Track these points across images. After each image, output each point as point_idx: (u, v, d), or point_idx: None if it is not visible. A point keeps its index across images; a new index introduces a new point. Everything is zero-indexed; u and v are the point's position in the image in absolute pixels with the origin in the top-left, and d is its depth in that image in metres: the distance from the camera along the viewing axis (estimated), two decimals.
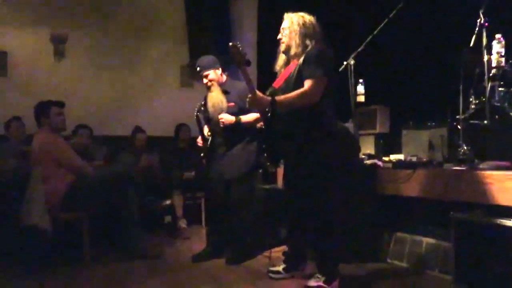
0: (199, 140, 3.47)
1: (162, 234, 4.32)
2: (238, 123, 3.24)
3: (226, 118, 3.24)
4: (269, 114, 2.52)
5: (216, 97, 3.32)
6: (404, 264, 3.07)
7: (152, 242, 3.91)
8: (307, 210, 2.66)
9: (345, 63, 3.42)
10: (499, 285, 2.33)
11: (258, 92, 2.54)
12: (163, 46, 5.51)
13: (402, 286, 2.69)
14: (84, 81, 5.09)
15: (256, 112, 3.12)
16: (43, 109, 3.49)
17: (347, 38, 3.81)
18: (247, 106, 2.65)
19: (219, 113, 3.29)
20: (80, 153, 3.70)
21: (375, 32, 3.34)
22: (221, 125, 3.25)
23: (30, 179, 3.31)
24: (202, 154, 3.47)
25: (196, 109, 3.43)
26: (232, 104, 3.30)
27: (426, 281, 2.76)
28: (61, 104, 3.56)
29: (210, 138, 3.40)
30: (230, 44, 2.50)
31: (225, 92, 3.33)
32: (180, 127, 5.05)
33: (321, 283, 2.55)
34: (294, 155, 2.66)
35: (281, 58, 2.76)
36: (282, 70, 2.74)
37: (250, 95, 2.53)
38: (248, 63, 2.52)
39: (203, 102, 3.46)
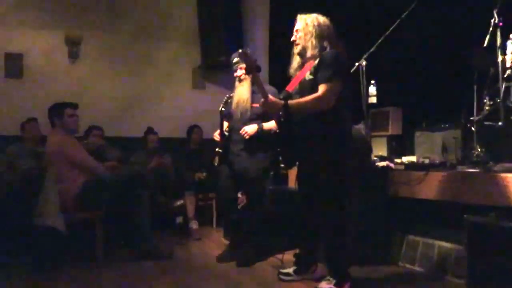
0: (216, 135, 3.43)
1: (174, 235, 4.34)
2: (260, 130, 3.24)
3: (249, 130, 3.24)
4: (282, 118, 2.52)
5: (243, 94, 3.29)
6: (416, 268, 3.04)
7: (164, 242, 3.92)
8: (320, 211, 2.65)
9: (357, 64, 3.40)
10: None
11: (270, 97, 2.54)
12: (175, 48, 5.54)
13: None
14: (98, 83, 5.15)
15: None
16: (57, 111, 3.54)
17: (359, 38, 3.78)
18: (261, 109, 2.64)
19: (241, 112, 3.27)
20: (94, 153, 3.74)
21: (387, 33, 3.32)
22: (246, 137, 3.24)
23: (44, 180, 3.35)
24: (217, 149, 3.42)
25: (224, 99, 3.39)
26: (258, 105, 3.29)
27: (439, 285, 2.72)
28: (74, 106, 3.60)
29: (227, 134, 3.39)
30: (240, 51, 2.51)
31: (253, 93, 3.32)
32: (192, 129, 5.08)
33: (332, 286, 2.54)
34: (308, 157, 2.65)
35: (296, 60, 2.73)
36: (297, 73, 2.72)
37: (262, 99, 2.53)
38: (258, 68, 2.53)
39: (230, 95, 3.41)
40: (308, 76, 2.60)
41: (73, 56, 5.06)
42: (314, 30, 2.58)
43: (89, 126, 4.52)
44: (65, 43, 5.03)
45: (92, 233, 3.40)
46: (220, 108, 3.40)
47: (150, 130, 4.89)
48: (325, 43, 2.58)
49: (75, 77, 5.05)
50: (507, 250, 2.33)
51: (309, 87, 2.57)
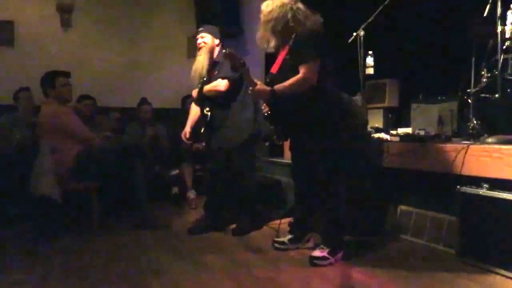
0: (185, 134, 3.42)
1: (170, 205, 4.37)
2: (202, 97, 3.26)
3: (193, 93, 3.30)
4: (271, 102, 2.59)
5: (200, 62, 3.30)
6: (409, 238, 3.09)
7: (160, 212, 3.96)
8: (314, 182, 2.68)
9: (354, 34, 3.35)
10: (503, 259, 2.34)
11: (258, 85, 2.55)
12: (170, 17, 5.43)
13: (406, 259, 2.70)
14: (91, 51, 5.06)
15: (221, 79, 3.21)
16: (49, 80, 3.49)
17: (357, 8, 3.71)
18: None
19: (198, 80, 3.29)
20: (83, 122, 3.72)
21: (385, 3, 3.26)
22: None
23: (38, 150, 3.34)
24: (201, 132, 3.42)
25: (197, 83, 3.35)
26: (216, 72, 3.29)
27: (431, 255, 2.77)
28: (67, 75, 3.55)
29: (208, 114, 3.32)
30: (224, 51, 2.60)
31: (214, 64, 3.30)
32: (186, 99, 5.03)
33: (325, 254, 2.59)
34: (300, 131, 2.68)
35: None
36: (279, 50, 2.73)
37: (251, 88, 2.57)
38: (243, 64, 2.58)
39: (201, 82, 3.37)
40: (286, 58, 2.65)
41: (65, 24, 4.96)
42: (265, 20, 2.61)
43: (80, 96, 4.46)
44: (57, 11, 4.91)
45: (88, 204, 3.42)
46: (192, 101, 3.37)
47: (143, 101, 4.84)
48: (286, 26, 2.58)
49: (67, 46, 4.96)
50: (498, 221, 2.37)
51: (288, 67, 2.61)
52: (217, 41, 3.36)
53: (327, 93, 2.61)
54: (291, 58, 2.60)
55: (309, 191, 2.77)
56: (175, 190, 4.54)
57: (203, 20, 5.21)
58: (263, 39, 2.69)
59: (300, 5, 2.62)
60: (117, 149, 3.63)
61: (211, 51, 3.33)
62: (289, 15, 2.58)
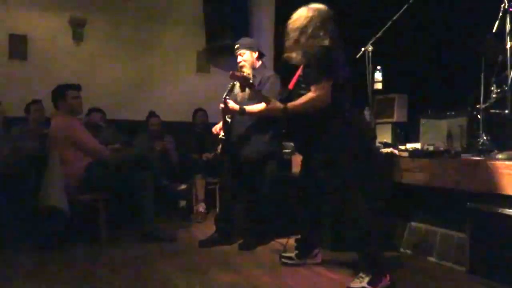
0: (217, 128, 3.38)
1: (177, 218, 4.37)
2: (242, 112, 3.11)
3: (231, 105, 3.13)
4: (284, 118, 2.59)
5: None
6: (418, 254, 3.04)
7: (167, 225, 3.95)
8: (323, 197, 2.65)
9: (363, 49, 3.36)
10: None
11: (272, 102, 2.58)
12: (180, 30, 5.50)
13: (415, 276, 2.66)
14: (102, 65, 5.13)
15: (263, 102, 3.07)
16: (60, 93, 3.54)
17: (366, 23, 3.73)
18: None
19: (243, 98, 3.21)
20: (93, 132, 3.75)
21: (394, 18, 3.27)
22: (221, 106, 3.15)
23: (48, 161, 3.37)
24: (220, 136, 3.35)
25: (228, 86, 3.30)
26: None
27: (440, 272, 2.73)
28: (77, 87, 3.60)
29: (229, 121, 3.32)
30: (231, 73, 2.70)
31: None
32: (197, 112, 5.07)
33: (364, 285, 2.34)
34: (310, 145, 2.62)
35: None
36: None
37: (265, 105, 2.60)
38: (251, 85, 2.74)
39: (234, 82, 3.30)
40: (300, 77, 2.61)
41: (77, 38, 5.04)
42: (293, 35, 2.51)
43: (89, 109, 4.52)
44: (69, 25, 5.00)
45: (96, 215, 3.43)
46: (224, 95, 3.28)
47: (151, 114, 4.88)
48: (314, 37, 2.47)
49: (79, 59, 5.03)
50: (509, 238, 2.33)
51: (301, 88, 2.55)
52: (255, 54, 3.33)
53: (343, 112, 2.52)
54: (304, 76, 2.54)
55: (316, 205, 2.75)
56: (183, 203, 4.53)
57: (215, 34, 5.28)
58: (287, 49, 2.56)
59: (326, 21, 2.49)
60: (126, 161, 3.64)
61: (253, 66, 3.31)
62: (310, 29, 2.46)
